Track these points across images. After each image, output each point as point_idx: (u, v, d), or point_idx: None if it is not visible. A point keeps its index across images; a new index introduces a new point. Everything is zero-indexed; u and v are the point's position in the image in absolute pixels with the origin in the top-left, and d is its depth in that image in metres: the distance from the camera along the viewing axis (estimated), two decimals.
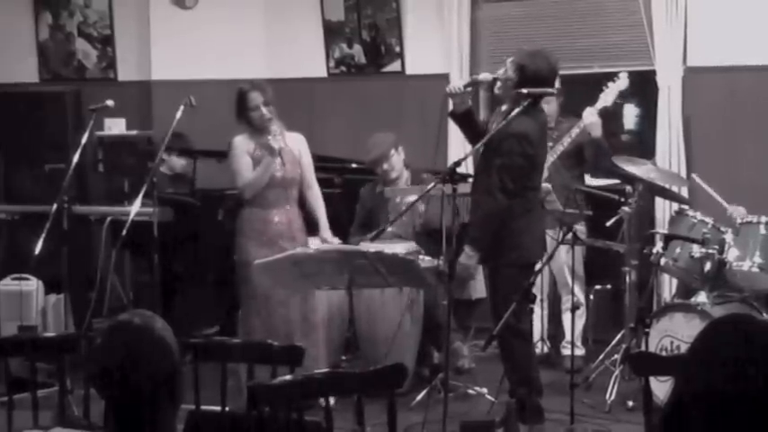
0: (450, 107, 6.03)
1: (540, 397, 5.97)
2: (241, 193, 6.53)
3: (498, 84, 5.94)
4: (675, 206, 7.11)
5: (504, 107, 5.97)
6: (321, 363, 6.33)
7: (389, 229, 6.75)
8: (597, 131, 7.29)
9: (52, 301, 7.75)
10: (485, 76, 6.14)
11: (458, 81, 6.01)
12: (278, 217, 6.46)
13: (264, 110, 6.36)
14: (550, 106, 7.29)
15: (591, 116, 7.28)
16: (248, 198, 6.48)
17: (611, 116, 7.57)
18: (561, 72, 7.14)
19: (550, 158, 7.19)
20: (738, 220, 6.49)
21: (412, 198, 6.52)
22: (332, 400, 3.73)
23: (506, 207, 5.76)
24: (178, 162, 8.40)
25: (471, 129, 6.06)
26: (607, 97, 7.29)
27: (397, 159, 7.27)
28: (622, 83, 7.31)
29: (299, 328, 6.35)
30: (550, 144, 7.10)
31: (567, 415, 5.99)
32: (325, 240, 6.49)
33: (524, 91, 5.77)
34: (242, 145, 6.46)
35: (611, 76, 7.48)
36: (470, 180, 6.40)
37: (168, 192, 8.09)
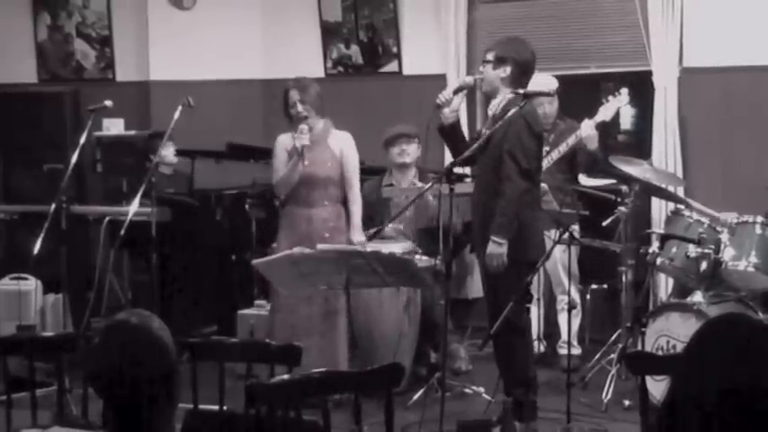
0: (440, 120, 6.02)
1: (535, 395, 5.99)
2: (275, 190, 6.66)
3: (482, 82, 5.98)
4: (671, 206, 7.13)
5: (493, 108, 5.97)
6: (341, 363, 6.33)
7: (391, 226, 6.76)
8: (594, 144, 7.25)
9: (51, 300, 7.77)
10: (466, 80, 6.19)
11: (446, 91, 6.02)
12: (310, 214, 6.52)
13: (300, 107, 6.44)
14: (551, 107, 7.31)
15: (589, 129, 7.23)
16: (281, 195, 6.60)
17: None
18: (558, 73, 7.19)
19: (545, 163, 7.19)
20: (734, 220, 6.50)
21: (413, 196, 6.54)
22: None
23: (526, 189, 5.78)
24: (170, 153, 8.37)
25: (458, 143, 6.06)
26: (607, 111, 7.22)
27: (414, 149, 7.32)
28: (623, 98, 7.24)
29: (320, 328, 6.39)
30: (546, 148, 7.11)
31: (564, 414, 5.99)
32: (351, 242, 6.48)
33: (520, 91, 5.79)
34: (282, 143, 6.57)
35: (608, 77, 7.47)
36: (467, 180, 6.42)
37: (167, 191, 8.11)
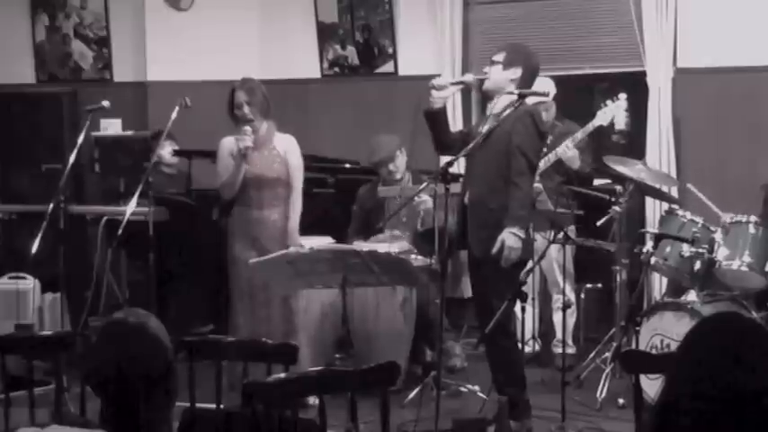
0: (428, 104, 6.01)
1: (526, 393, 6.01)
2: (220, 193, 6.61)
3: (486, 82, 6.00)
4: (665, 206, 7.16)
5: (494, 108, 6.00)
6: (305, 365, 6.34)
7: (388, 231, 6.79)
8: (575, 164, 7.29)
9: (49, 299, 7.78)
10: (468, 77, 6.21)
11: (445, 78, 6.05)
12: (261, 216, 6.48)
13: (246, 109, 6.40)
14: (547, 114, 7.33)
15: (568, 151, 7.25)
16: (226, 198, 6.56)
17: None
18: (552, 73, 7.21)
19: (542, 165, 7.22)
20: (728, 220, 6.54)
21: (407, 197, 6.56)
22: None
23: (533, 188, 5.87)
24: (166, 152, 8.43)
25: (441, 130, 6.08)
26: (605, 116, 7.22)
27: (401, 161, 7.28)
28: (622, 104, 7.24)
29: (279, 330, 6.34)
30: (545, 150, 7.15)
31: (559, 412, 6.04)
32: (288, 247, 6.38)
33: (515, 91, 5.83)
34: (226, 146, 6.52)
35: (602, 78, 7.47)
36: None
37: (169, 191, 8.14)
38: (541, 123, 5.95)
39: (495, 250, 5.70)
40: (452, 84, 6.06)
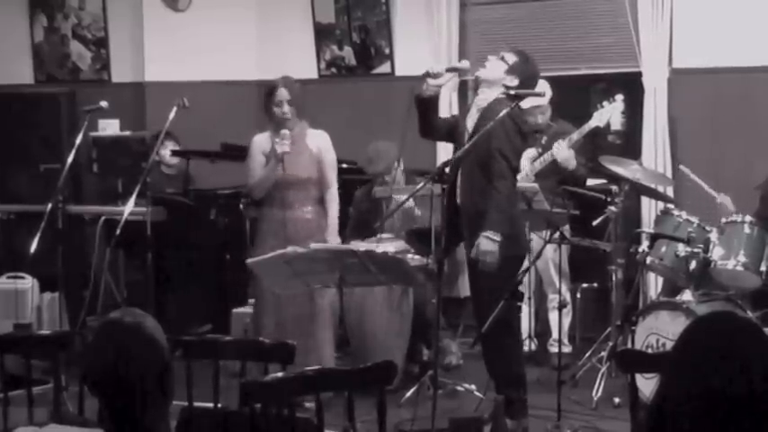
0: (420, 90, 5.97)
1: (525, 393, 6.03)
2: (250, 193, 6.59)
3: (483, 69, 6.03)
4: (661, 205, 7.18)
5: (480, 103, 6.02)
6: (328, 361, 6.36)
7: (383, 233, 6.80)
8: (572, 164, 7.24)
9: (47, 299, 7.81)
10: (464, 63, 6.22)
11: (440, 65, 6.07)
12: (294, 216, 6.45)
13: (286, 108, 6.36)
14: (544, 117, 7.34)
15: (563, 152, 7.20)
16: (257, 199, 6.53)
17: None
18: (548, 74, 7.22)
19: (538, 165, 7.24)
20: (723, 220, 6.56)
21: (403, 198, 6.57)
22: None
23: (514, 186, 5.89)
24: (167, 152, 8.48)
25: (431, 119, 6.07)
26: (602, 117, 7.15)
27: (399, 173, 7.30)
28: (618, 105, 7.19)
29: (308, 327, 6.35)
30: (539, 150, 7.17)
31: (554, 411, 6.06)
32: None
33: (512, 92, 5.84)
34: (259, 144, 6.49)
35: (598, 78, 7.47)
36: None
37: (167, 191, 8.15)
38: (523, 124, 5.97)
39: (473, 254, 5.75)
40: (447, 70, 6.05)
